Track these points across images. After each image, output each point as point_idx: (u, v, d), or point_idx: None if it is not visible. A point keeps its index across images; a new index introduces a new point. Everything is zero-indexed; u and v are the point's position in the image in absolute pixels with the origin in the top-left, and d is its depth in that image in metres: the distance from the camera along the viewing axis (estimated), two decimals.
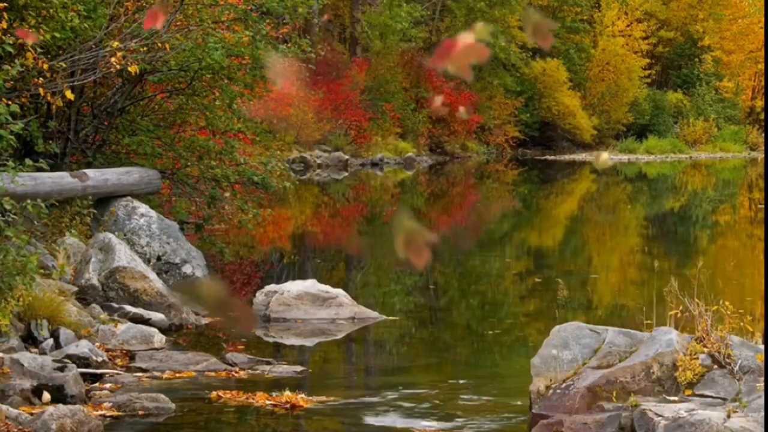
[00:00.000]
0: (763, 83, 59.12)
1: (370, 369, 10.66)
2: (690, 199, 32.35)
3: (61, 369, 8.34)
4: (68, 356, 9.01)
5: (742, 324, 8.26)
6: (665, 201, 31.76)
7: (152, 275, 11.65)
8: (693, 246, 21.00)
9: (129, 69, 12.26)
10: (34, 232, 11.48)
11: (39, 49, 11.58)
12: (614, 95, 54.32)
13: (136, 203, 13.18)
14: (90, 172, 12.85)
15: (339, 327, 11.62)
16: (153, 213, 13.11)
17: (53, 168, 12.33)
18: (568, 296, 11.97)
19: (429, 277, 15.99)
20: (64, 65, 12.34)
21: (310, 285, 12.11)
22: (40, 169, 10.28)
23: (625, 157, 50.26)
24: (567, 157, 49.55)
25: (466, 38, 2.28)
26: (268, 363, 9.76)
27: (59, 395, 8.13)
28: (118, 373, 9.14)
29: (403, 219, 2.20)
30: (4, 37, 10.99)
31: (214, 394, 8.58)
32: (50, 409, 7.42)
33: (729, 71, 60.12)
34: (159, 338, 10.27)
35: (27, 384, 8.12)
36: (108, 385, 8.77)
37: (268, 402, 8.40)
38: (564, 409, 7.68)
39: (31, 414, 7.50)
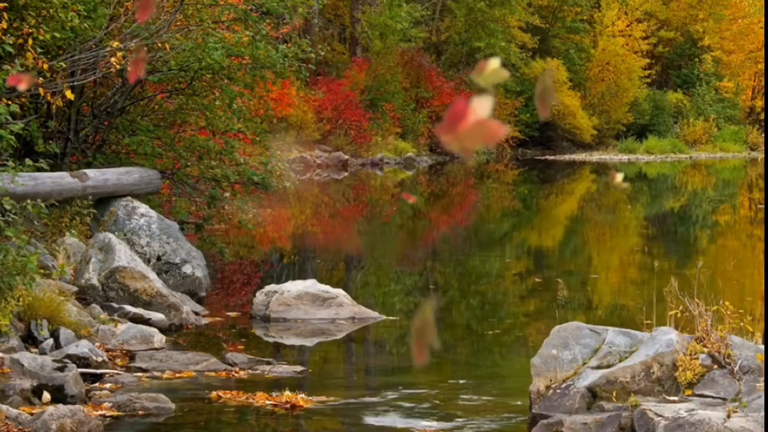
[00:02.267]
0: (763, 83, 59.12)
1: (370, 369, 10.66)
2: (690, 199, 32.35)
3: (61, 369, 8.34)
4: (68, 356, 9.01)
5: (742, 324, 8.26)
6: (665, 201, 31.76)
7: (152, 275, 11.65)
8: (693, 246, 20.99)
9: (129, 69, 12.25)
10: (34, 232, 11.48)
11: (39, 49, 11.58)
12: (614, 95, 54.31)
13: (136, 203, 13.18)
14: (90, 172, 12.85)
15: (339, 327, 11.62)
16: (153, 213, 13.11)
17: (53, 168, 12.32)
18: (568, 296, 11.98)
19: (429, 277, 15.98)
20: (64, 65, 12.34)
21: (310, 285, 12.11)
22: (40, 169, 10.28)
23: (625, 157, 50.26)
24: (567, 157, 49.55)
25: (480, 107, 1.93)
26: (268, 363, 9.76)
27: (59, 395, 8.13)
28: (118, 373, 9.14)
29: (428, 309, 2.11)
30: (4, 37, 10.99)
31: (214, 394, 8.58)
32: (50, 409, 7.42)
33: (729, 71, 60.11)
34: (159, 338, 10.27)
35: (27, 384, 8.12)
36: (108, 385, 8.77)
37: (268, 402, 8.40)
38: (564, 409, 7.68)
39: (31, 414, 7.50)
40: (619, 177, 2.37)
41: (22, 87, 1.77)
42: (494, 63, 2.03)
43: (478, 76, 2.02)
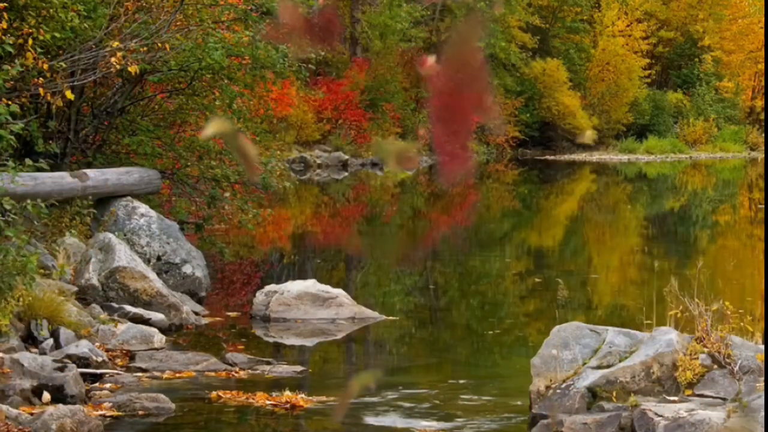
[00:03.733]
0: (763, 83, 59.12)
1: (370, 369, 10.66)
2: (690, 199, 32.34)
3: (61, 369, 8.34)
4: (68, 356, 9.01)
5: (742, 324, 8.26)
6: (665, 201, 31.76)
7: (152, 275, 11.65)
8: (693, 246, 20.99)
9: (129, 69, 12.26)
10: (34, 232, 11.48)
11: (39, 49, 11.58)
12: (614, 95, 54.31)
13: (136, 203, 13.18)
14: (90, 172, 12.84)
15: (339, 327, 11.62)
16: (153, 213, 13.11)
17: (53, 168, 12.32)
18: (568, 296, 11.97)
19: (429, 277, 15.99)
20: (64, 65, 12.33)
21: (310, 285, 12.11)
22: (40, 169, 10.28)
23: (625, 157, 50.26)
24: (567, 157, 49.54)
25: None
26: (268, 363, 9.75)
27: (59, 395, 8.13)
28: (118, 373, 9.14)
29: (382, 144, 2.09)
30: (4, 37, 10.99)
31: (214, 394, 8.58)
32: (50, 409, 7.42)
33: (729, 71, 60.11)
34: (159, 338, 10.27)
35: (27, 384, 8.12)
36: (108, 385, 8.77)
37: (268, 402, 8.40)
38: (564, 409, 7.68)
39: (31, 414, 7.50)
40: (589, 132, 2.32)
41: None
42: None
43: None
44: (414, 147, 1.99)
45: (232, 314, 12.16)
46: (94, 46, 12.86)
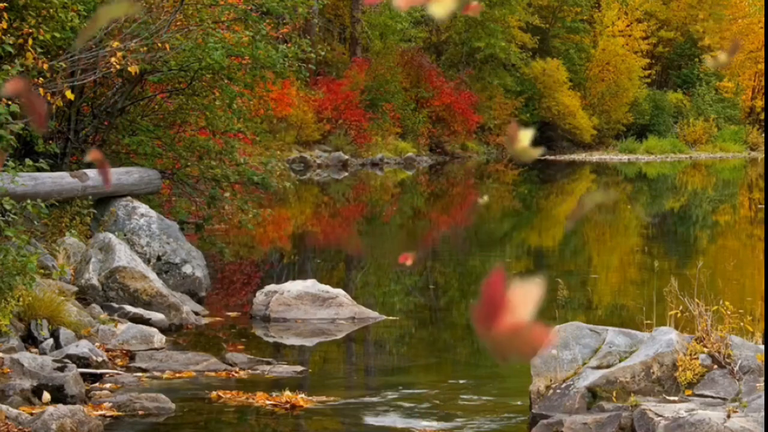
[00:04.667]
0: (763, 83, 59.11)
1: (370, 369, 10.66)
2: (690, 199, 32.34)
3: (61, 369, 8.34)
4: (68, 356, 9.01)
5: (742, 324, 8.26)
6: (665, 201, 31.76)
7: (152, 275, 11.65)
8: (693, 246, 20.99)
9: (129, 69, 12.26)
10: (34, 232, 11.48)
11: (39, 49, 11.58)
12: (614, 95, 54.31)
13: (136, 203, 13.18)
14: (90, 172, 12.85)
15: (339, 327, 11.62)
16: (153, 213, 13.11)
17: (53, 168, 12.33)
18: (568, 296, 11.97)
19: (429, 277, 15.99)
20: (64, 65, 12.34)
21: (310, 285, 12.11)
22: (40, 169, 10.28)
23: (625, 157, 50.26)
24: (567, 157, 49.55)
25: (522, 299, 1.49)
26: (268, 363, 9.75)
27: (59, 395, 8.13)
28: (118, 373, 9.14)
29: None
30: (4, 37, 10.99)
31: (214, 394, 8.58)
32: (50, 409, 7.42)
33: (729, 71, 60.12)
34: (159, 338, 10.27)
35: (27, 384, 8.12)
36: (108, 385, 8.77)
37: (268, 402, 8.40)
38: (564, 409, 7.68)
39: (31, 414, 7.50)
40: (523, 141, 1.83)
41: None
42: (525, 139, 1.74)
43: (511, 147, 1.74)
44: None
45: (232, 314, 12.16)
46: (94, 46, 12.86)
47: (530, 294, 1.55)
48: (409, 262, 2.16)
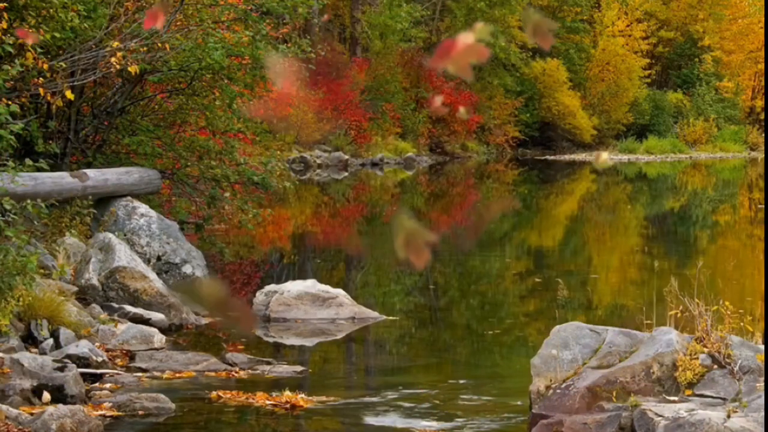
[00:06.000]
0: (763, 83, 59.11)
1: (370, 369, 10.66)
2: (690, 199, 32.35)
3: (61, 369, 8.34)
4: (68, 356, 9.01)
5: (742, 324, 8.26)
6: (665, 201, 31.76)
7: (152, 275, 11.65)
8: (693, 246, 20.99)
9: (129, 69, 12.26)
10: (34, 232, 11.48)
11: (39, 49, 11.58)
12: (614, 95, 54.31)
13: (136, 203, 13.18)
14: (90, 172, 12.85)
15: (339, 327, 11.62)
16: (153, 213, 13.11)
17: (53, 168, 12.32)
18: (568, 296, 11.98)
19: (429, 277, 15.98)
20: (64, 65, 12.33)
21: (310, 285, 12.11)
22: (40, 169, 10.28)
23: (625, 157, 50.26)
24: (567, 157, 49.54)
25: (465, 38, 2.18)
26: (268, 363, 9.75)
27: (59, 395, 8.13)
28: (118, 373, 9.14)
29: (403, 219, 2.14)
30: (4, 37, 10.99)
31: (214, 394, 8.58)
32: (50, 409, 7.42)
33: (729, 71, 60.11)
34: (159, 338, 10.27)
35: (27, 384, 8.12)
36: (108, 385, 8.77)
37: (268, 402, 8.40)
38: (564, 409, 7.68)
39: (31, 414, 7.50)
40: (604, 155, 2.43)
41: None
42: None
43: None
44: (428, 236, 2.04)
45: (232, 314, 12.14)
46: (94, 46, 12.86)
47: (471, 36, 2.19)
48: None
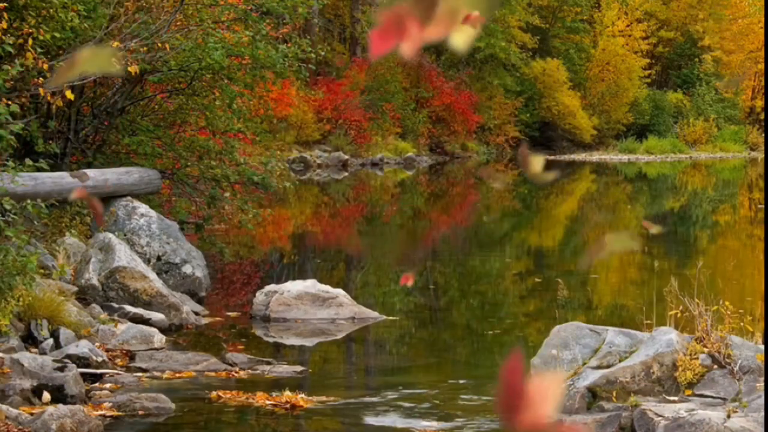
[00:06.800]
0: (763, 83, 59.11)
1: (370, 369, 10.66)
2: (690, 199, 32.34)
3: (61, 369, 8.34)
4: (68, 356, 9.01)
5: (742, 324, 8.26)
6: (665, 201, 31.76)
7: (152, 275, 11.65)
8: (693, 246, 20.99)
9: (129, 69, 12.26)
10: (34, 232, 11.48)
11: (39, 49, 11.58)
12: (614, 95, 54.31)
13: (136, 203, 13.18)
14: (90, 172, 12.85)
15: (339, 327, 11.62)
16: (153, 213, 13.11)
17: (53, 168, 12.32)
18: (568, 296, 11.98)
19: (429, 277, 15.98)
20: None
21: (310, 285, 12.11)
22: (40, 169, 10.28)
23: (625, 157, 50.26)
24: (567, 157, 49.55)
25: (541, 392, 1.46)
26: (268, 363, 9.75)
27: (59, 395, 8.13)
28: (118, 373, 9.14)
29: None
30: (4, 37, 10.99)
31: (214, 394, 8.58)
32: (50, 409, 7.42)
33: (729, 71, 60.09)
34: (159, 338, 10.27)
35: (27, 384, 8.12)
36: (108, 385, 8.77)
37: (268, 402, 8.40)
38: (564, 409, 7.68)
39: (31, 414, 7.50)
40: (654, 229, 2.22)
41: None
42: (537, 164, 1.66)
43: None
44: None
45: (232, 314, 12.16)
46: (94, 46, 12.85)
47: (551, 387, 1.48)
48: (410, 283, 2.12)
